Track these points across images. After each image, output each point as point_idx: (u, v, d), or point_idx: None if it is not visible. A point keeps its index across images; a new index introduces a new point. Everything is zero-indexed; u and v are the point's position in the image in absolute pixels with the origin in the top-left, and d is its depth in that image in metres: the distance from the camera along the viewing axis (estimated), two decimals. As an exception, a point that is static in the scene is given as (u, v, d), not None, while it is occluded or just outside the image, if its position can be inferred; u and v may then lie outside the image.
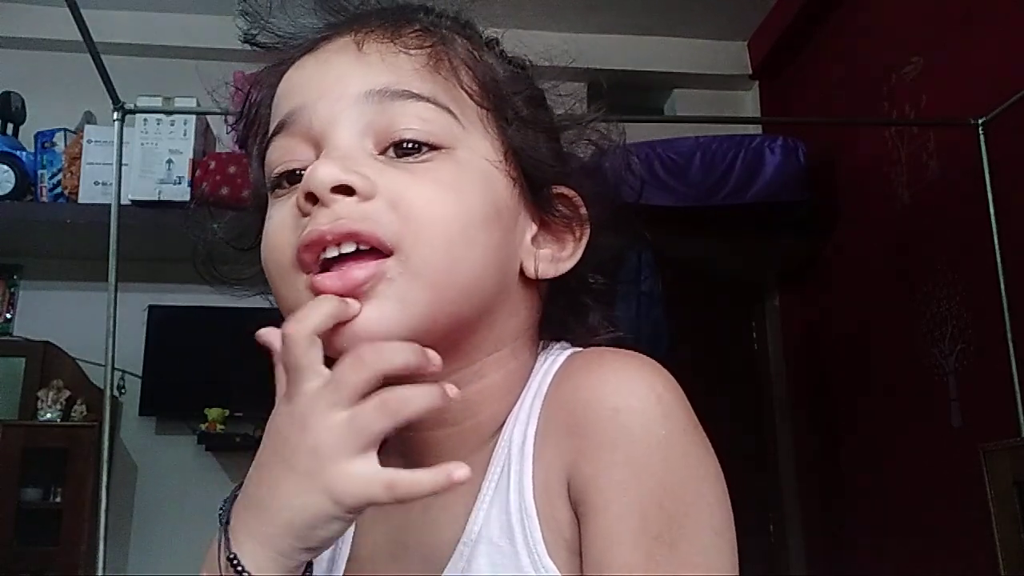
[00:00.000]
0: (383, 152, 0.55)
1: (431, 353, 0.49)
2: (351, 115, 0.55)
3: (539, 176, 0.60)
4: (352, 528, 0.60)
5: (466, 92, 0.57)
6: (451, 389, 0.48)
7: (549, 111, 0.63)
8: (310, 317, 0.49)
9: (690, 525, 0.49)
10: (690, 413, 0.53)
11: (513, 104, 0.59)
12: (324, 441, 0.47)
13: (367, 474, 0.47)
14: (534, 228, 0.60)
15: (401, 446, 0.59)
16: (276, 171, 0.58)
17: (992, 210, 2.26)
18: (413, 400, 0.47)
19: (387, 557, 0.60)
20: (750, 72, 3.62)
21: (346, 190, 0.52)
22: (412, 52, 0.56)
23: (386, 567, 0.60)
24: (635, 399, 0.51)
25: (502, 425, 0.57)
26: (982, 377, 2.34)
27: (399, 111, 0.55)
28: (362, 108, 0.55)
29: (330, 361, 0.51)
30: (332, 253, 0.53)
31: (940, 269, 2.51)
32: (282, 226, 0.55)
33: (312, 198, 0.53)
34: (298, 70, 0.59)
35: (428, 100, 0.55)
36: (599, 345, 0.61)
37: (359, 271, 0.52)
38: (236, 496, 0.51)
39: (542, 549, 0.51)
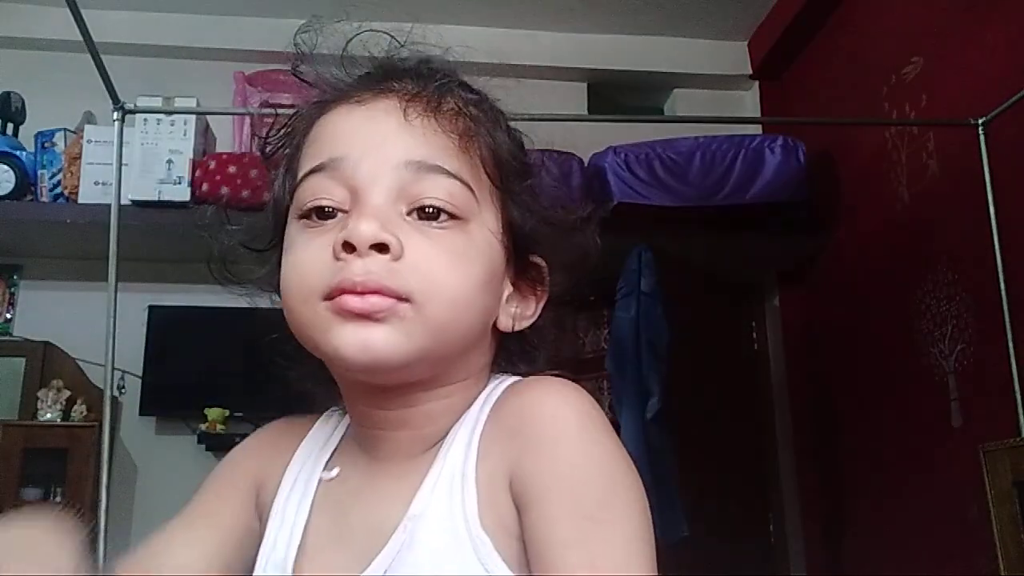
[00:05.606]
0: (409, 213, 0.64)
1: None
2: (390, 177, 0.63)
3: (523, 246, 0.70)
4: (304, 517, 0.69)
5: (486, 173, 0.67)
6: None
7: (536, 183, 0.72)
8: None
9: (614, 506, 0.59)
10: (606, 421, 0.63)
11: (514, 184, 0.69)
12: None
13: None
14: (510, 288, 0.70)
15: (366, 441, 0.70)
16: (309, 204, 0.65)
17: (992, 210, 2.26)
18: None
19: (334, 539, 0.68)
20: (750, 72, 3.61)
21: (380, 247, 0.61)
22: (448, 133, 0.65)
23: (333, 548, 0.67)
24: (568, 408, 0.62)
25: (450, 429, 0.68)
26: (982, 377, 2.34)
27: (431, 182, 0.64)
28: (400, 173, 0.64)
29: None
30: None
31: (940, 269, 2.51)
32: (315, 260, 0.63)
33: (350, 248, 0.61)
34: (345, 120, 0.67)
35: (456, 178, 0.65)
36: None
37: (380, 301, 0.61)
38: None
39: (477, 523, 0.60)
